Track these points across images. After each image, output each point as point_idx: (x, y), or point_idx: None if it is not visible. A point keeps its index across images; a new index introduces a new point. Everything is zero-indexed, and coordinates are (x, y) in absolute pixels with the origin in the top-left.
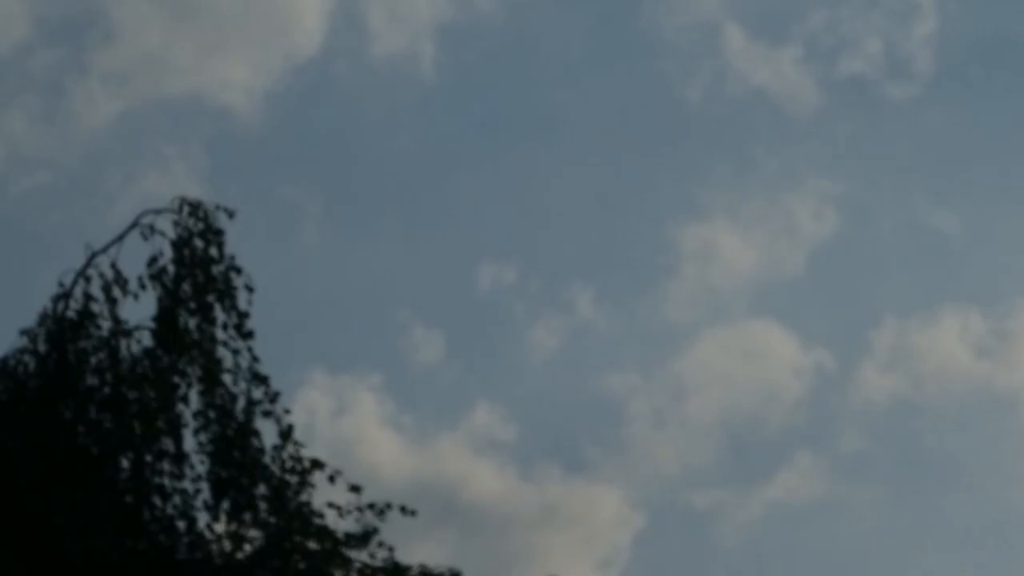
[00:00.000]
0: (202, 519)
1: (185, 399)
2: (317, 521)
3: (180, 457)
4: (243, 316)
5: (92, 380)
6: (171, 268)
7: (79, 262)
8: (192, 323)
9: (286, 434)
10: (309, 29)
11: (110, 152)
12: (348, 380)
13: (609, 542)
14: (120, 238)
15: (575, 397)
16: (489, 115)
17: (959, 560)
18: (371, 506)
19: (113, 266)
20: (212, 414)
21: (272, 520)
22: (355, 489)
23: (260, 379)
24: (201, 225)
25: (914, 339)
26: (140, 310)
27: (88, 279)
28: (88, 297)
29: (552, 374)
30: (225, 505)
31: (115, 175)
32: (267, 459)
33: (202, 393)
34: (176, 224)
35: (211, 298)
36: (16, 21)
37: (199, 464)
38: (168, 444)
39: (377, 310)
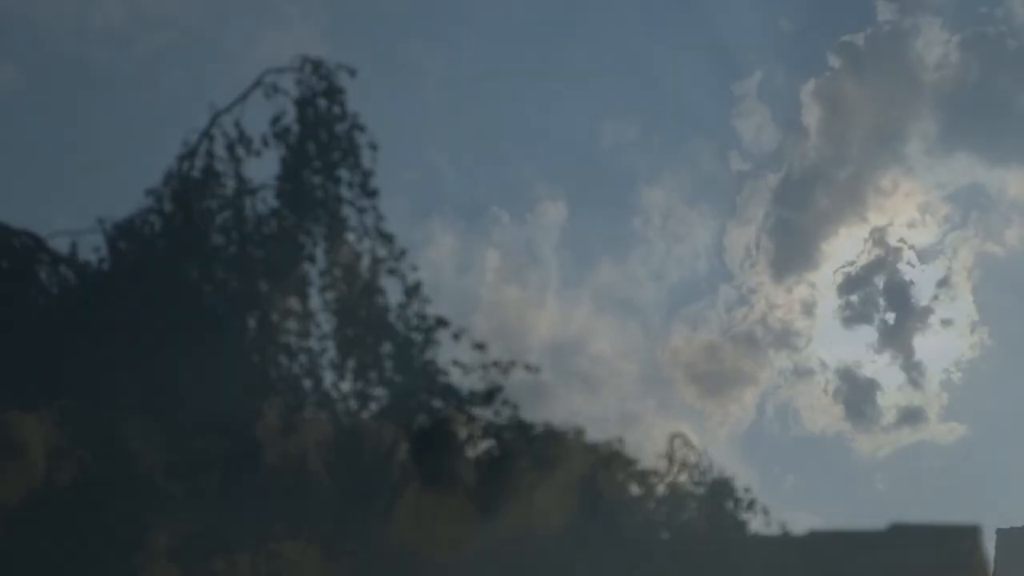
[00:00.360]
0: (328, 378)
1: (311, 258)
2: (442, 379)
3: (306, 316)
4: (367, 175)
5: (218, 239)
6: (294, 127)
7: (203, 122)
8: (316, 182)
9: (412, 291)
10: None
11: (231, 11)
12: (473, 238)
13: None
14: (243, 97)
15: None
16: None
17: None
18: (496, 364)
19: (237, 125)
20: (337, 272)
21: (397, 379)
22: (480, 347)
23: (385, 237)
24: (323, 84)
25: None
26: (264, 169)
27: (212, 138)
28: (212, 156)
29: None
30: (351, 364)
31: (236, 34)
32: (392, 317)
33: (327, 252)
34: (298, 83)
35: (335, 157)
36: None
37: (325, 323)
38: (294, 303)
39: (501, 169)
